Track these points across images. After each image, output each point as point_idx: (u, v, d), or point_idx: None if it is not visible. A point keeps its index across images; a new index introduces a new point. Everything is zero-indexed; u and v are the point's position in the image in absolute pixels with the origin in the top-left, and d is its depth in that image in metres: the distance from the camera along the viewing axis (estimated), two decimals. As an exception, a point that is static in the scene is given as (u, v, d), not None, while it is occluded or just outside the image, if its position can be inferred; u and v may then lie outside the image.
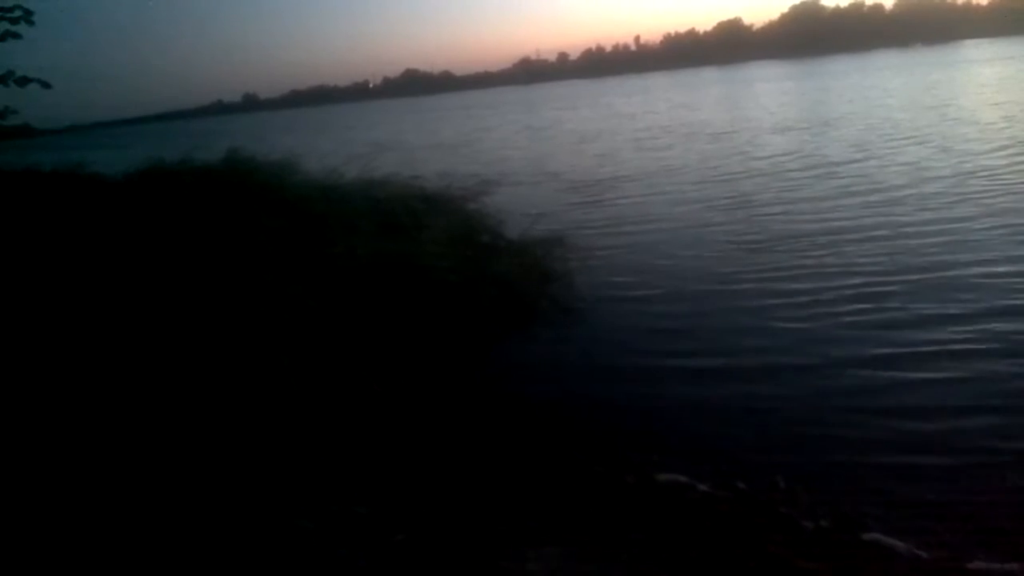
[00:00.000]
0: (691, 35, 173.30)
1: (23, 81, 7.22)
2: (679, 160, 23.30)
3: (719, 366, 7.75)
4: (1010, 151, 17.94)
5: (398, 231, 10.86)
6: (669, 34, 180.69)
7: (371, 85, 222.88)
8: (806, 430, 6.34)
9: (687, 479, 5.58)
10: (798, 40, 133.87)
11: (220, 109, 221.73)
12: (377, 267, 9.37)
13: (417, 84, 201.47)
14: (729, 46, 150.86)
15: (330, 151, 13.32)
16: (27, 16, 7.46)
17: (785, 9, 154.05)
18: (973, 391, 6.57)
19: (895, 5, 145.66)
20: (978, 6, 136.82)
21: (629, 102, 63.18)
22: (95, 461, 5.42)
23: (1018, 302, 8.37)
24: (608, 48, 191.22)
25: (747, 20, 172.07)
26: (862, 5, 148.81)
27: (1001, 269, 9.52)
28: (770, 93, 54.61)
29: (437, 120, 69.81)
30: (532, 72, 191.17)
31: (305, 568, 4.33)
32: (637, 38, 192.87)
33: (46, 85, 7.41)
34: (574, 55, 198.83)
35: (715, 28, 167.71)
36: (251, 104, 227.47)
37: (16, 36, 7.58)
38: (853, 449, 5.94)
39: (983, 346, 7.39)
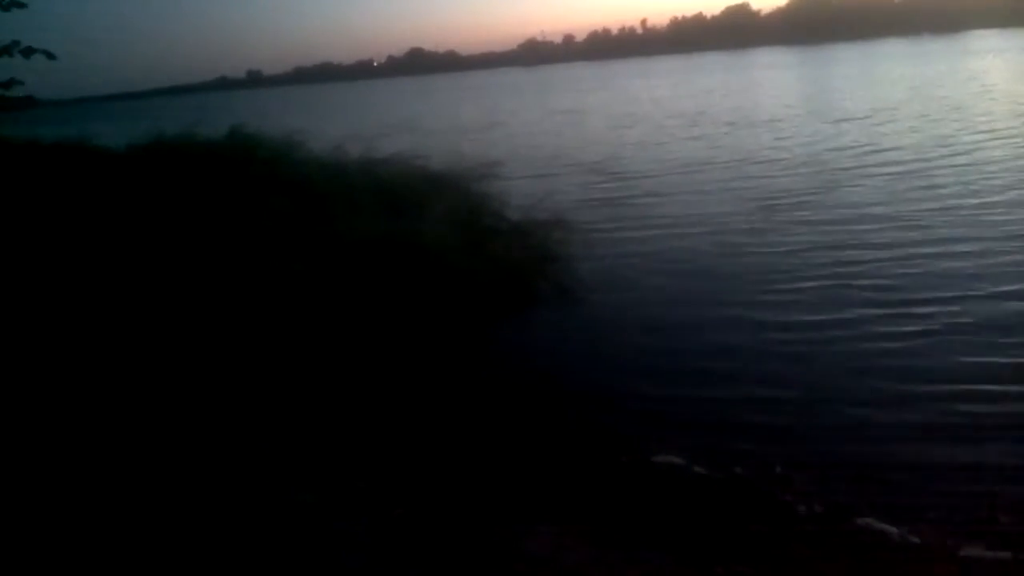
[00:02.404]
0: (698, 19, 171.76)
1: (28, 52, 7.23)
2: (720, 151, 21.86)
3: (717, 356, 7.77)
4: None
5: (401, 211, 10.87)
6: (676, 18, 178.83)
7: (375, 63, 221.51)
8: (804, 419, 6.40)
9: (682, 461, 5.64)
10: (805, 27, 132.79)
11: (224, 85, 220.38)
12: (378, 246, 9.39)
13: (422, 63, 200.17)
14: (736, 31, 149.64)
15: (342, 133, 12.68)
16: (33, -14, 7.45)
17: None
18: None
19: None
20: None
21: (649, 86, 61.29)
22: (100, 434, 5.47)
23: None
24: (614, 31, 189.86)
25: (755, 5, 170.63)
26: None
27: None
28: (800, 79, 52.67)
29: (450, 101, 67.92)
30: (537, 53, 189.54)
31: (305, 539, 4.39)
32: (644, 21, 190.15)
33: (51, 56, 7.41)
34: (580, 37, 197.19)
35: (723, 12, 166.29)
36: (255, 80, 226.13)
37: (21, 5, 7.57)
38: (850, 438, 5.99)
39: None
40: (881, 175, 16.22)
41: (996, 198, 13.04)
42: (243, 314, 7.59)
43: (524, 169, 20.89)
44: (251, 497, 4.87)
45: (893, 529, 4.71)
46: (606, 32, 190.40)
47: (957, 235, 11.07)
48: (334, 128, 31.78)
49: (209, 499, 4.74)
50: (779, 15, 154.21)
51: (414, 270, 9.05)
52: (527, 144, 28.10)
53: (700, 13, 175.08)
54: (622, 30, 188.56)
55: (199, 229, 9.02)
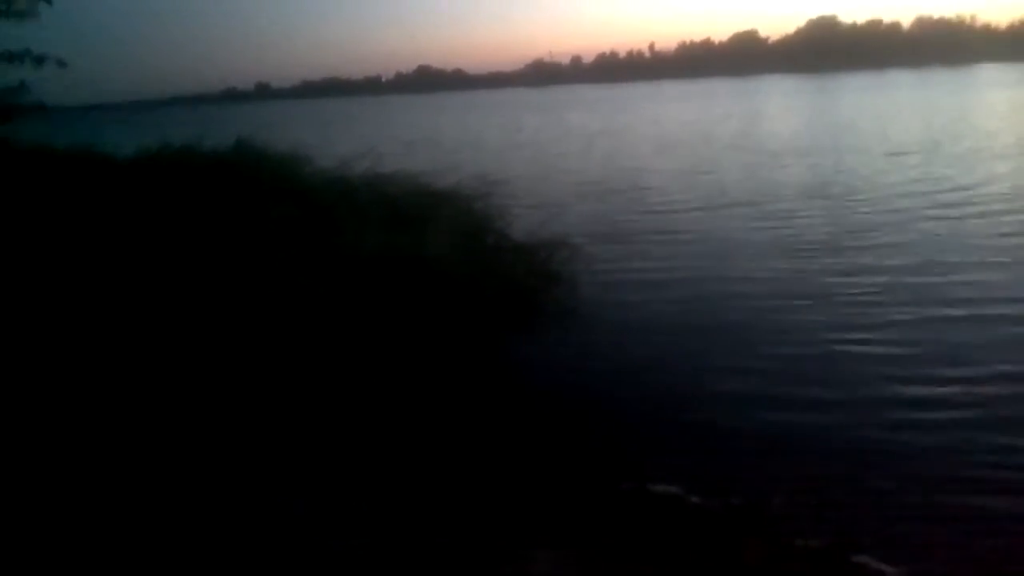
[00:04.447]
0: (706, 45, 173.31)
1: (40, 60, 7.26)
2: (761, 184, 20.30)
3: (717, 396, 7.68)
4: None
5: (405, 227, 10.88)
6: (684, 42, 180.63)
7: (383, 80, 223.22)
8: (805, 450, 6.36)
9: (680, 490, 5.59)
10: (814, 55, 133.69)
11: (233, 96, 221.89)
12: (383, 263, 9.39)
13: (429, 81, 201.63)
14: (744, 58, 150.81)
15: (354, 150, 12.13)
16: (46, -5, 7.52)
17: (802, 23, 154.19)
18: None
19: (912, 24, 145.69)
20: (996, 29, 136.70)
21: (671, 110, 60.11)
22: (101, 440, 5.45)
23: None
24: (622, 54, 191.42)
25: (763, 32, 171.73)
26: (880, 23, 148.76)
27: None
28: (827, 109, 51.29)
29: (466, 120, 66.38)
30: (545, 74, 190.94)
31: (301, 555, 4.36)
32: (652, 45, 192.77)
33: (62, 64, 7.47)
34: (587, 59, 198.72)
35: (731, 39, 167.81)
36: (263, 93, 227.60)
37: (48, 1, 7.63)
38: (850, 479, 5.94)
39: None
40: (930, 218, 14.66)
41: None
42: (247, 326, 7.57)
43: (557, 195, 20.20)
44: (252, 506, 4.83)
45: (892, 569, 4.65)
46: (614, 55, 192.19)
47: (1015, 295, 9.87)
48: (345, 145, 31.09)
49: (207, 509, 4.70)
50: (788, 42, 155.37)
51: (417, 287, 9.03)
52: (559, 168, 26.87)
53: (708, 39, 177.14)
54: (630, 53, 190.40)
55: (204, 240, 9.02)
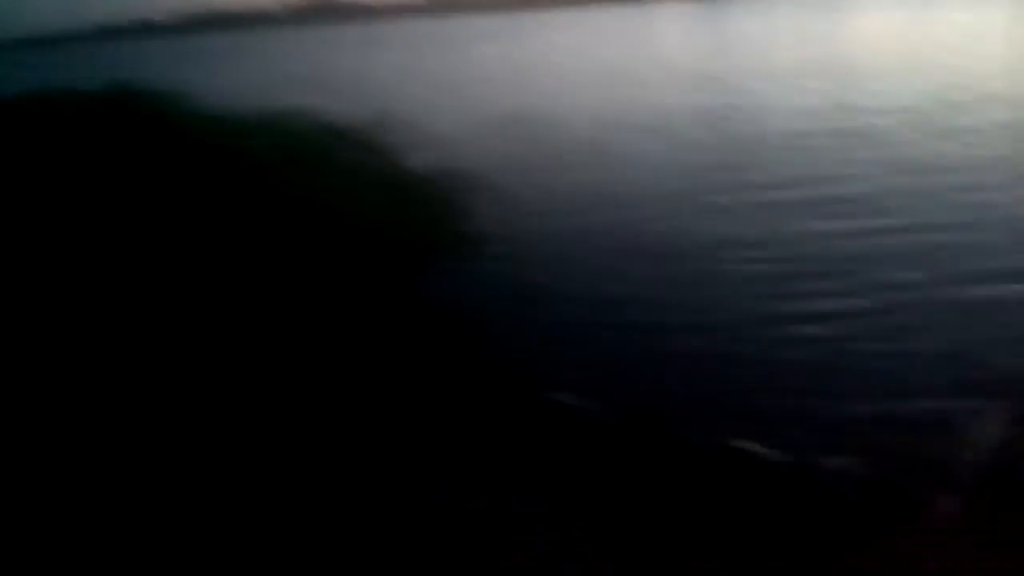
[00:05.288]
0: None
1: None
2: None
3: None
4: None
5: (304, 167, 10.69)
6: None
7: (275, 13, 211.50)
8: (692, 362, 6.76)
9: (575, 399, 5.88)
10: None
11: (108, 33, 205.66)
12: (284, 203, 9.23)
13: (326, 11, 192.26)
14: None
15: (253, 90, 11.18)
16: None
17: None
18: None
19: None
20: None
21: (570, 41, 58.22)
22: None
23: None
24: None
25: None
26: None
27: None
28: (723, 33, 50.76)
29: (366, 54, 61.68)
30: (445, 4, 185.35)
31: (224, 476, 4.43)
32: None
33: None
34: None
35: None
36: (144, 29, 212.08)
37: None
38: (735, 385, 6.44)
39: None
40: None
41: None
42: (137, 283, 7.37)
43: (459, 131, 18.86)
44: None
45: (767, 450, 5.11)
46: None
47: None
48: (236, 84, 28.43)
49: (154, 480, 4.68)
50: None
51: (320, 226, 8.96)
52: (462, 104, 25.81)
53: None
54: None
55: (81, 188, 8.63)
